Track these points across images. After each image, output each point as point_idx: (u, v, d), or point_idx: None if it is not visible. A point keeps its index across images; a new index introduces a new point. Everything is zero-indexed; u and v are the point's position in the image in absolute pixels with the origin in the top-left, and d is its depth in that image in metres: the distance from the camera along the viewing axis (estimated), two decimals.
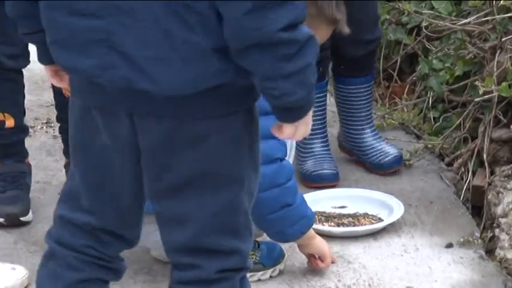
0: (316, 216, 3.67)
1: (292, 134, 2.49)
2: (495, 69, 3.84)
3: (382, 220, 3.73)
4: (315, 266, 3.63)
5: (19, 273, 3.48)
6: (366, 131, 4.08)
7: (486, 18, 4.04)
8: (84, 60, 2.43)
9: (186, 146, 2.48)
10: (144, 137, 2.48)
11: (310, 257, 3.63)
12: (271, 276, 3.44)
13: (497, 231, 3.61)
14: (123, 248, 2.73)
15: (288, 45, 2.30)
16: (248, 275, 3.03)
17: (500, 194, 3.68)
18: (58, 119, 3.97)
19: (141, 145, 2.50)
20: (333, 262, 3.64)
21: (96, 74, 2.41)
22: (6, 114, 3.82)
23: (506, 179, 3.73)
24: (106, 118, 2.51)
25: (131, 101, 2.44)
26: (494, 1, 4.04)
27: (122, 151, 2.54)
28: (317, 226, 3.61)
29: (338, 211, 3.78)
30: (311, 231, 3.55)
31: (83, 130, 2.59)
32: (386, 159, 4.05)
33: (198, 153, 2.48)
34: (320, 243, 3.62)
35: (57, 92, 3.94)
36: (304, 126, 2.50)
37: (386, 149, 4.08)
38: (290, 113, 2.46)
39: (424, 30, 4.38)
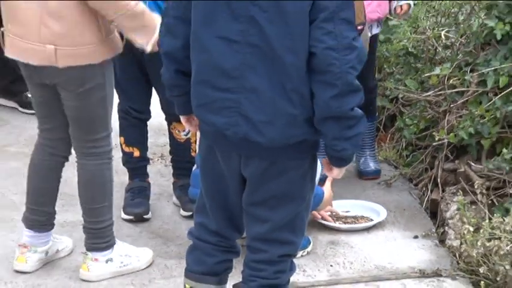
0: (330, 217, 3.70)
1: (337, 174, 2.62)
2: (445, 124, 3.94)
3: (373, 220, 3.76)
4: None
5: (149, 252, 3.40)
6: (366, 152, 4.11)
7: (440, 92, 4.08)
8: (220, 119, 2.50)
9: (273, 177, 2.56)
10: (247, 169, 2.57)
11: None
12: (301, 255, 3.40)
13: (446, 228, 3.66)
14: (237, 238, 2.80)
15: (352, 119, 2.40)
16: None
17: (448, 205, 3.76)
18: (170, 153, 3.90)
19: (244, 173, 2.58)
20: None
21: (225, 128, 2.49)
22: (134, 148, 3.76)
23: (452, 195, 3.80)
24: (224, 155, 2.60)
25: (244, 147, 2.52)
26: (445, 81, 4.02)
27: (231, 176, 2.63)
28: (331, 223, 3.67)
29: (344, 214, 3.77)
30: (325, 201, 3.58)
31: (208, 161, 2.68)
32: (369, 169, 4.12)
33: (281, 181, 2.57)
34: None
35: (171, 137, 3.83)
36: (343, 170, 2.62)
37: (373, 165, 4.13)
38: (341, 162, 2.56)
39: (400, 99, 4.42)
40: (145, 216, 3.75)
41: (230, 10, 2.44)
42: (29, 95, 4.57)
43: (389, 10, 3.97)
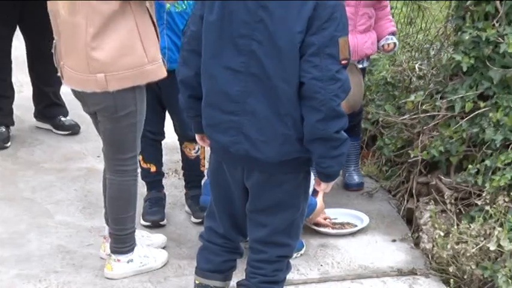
0: (325, 222, 3.68)
1: (325, 188, 2.63)
2: (419, 144, 3.92)
3: (357, 226, 3.74)
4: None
5: (164, 254, 3.39)
6: (351, 167, 4.09)
7: (414, 116, 4.06)
8: (225, 137, 2.53)
9: (272, 187, 2.58)
10: (249, 180, 2.59)
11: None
12: (296, 257, 3.33)
13: (420, 233, 3.64)
14: (241, 240, 2.81)
15: (336, 141, 2.41)
16: None
17: (422, 213, 3.74)
18: (182, 168, 3.88)
19: (247, 184, 2.60)
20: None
21: (229, 145, 2.52)
22: (151, 164, 3.73)
23: (425, 204, 3.77)
24: (229, 168, 2.62)
25: (246, 162, 2.54)
26: (419, 106, 3.99)
27: (236, 187, 2.65)
28: (321, 229, 3.66)
29: (333, 221, 3.74)
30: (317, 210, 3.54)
31: (216, 173, 2.70)
32: (354, 182, 4.11)
33: (278, 191, 2.58)
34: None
35: (183, 155, 3.79)
36: (331, 185, 2.63)
37: (357, 178, 4.12)
38: (327, 178, 2.57)
39: (380, 122, 4.41)
40: (161, 223, 3.73)
41: (234, 45, 2.47)
42: (62, 119, 4.64)
43: (377, 47, 3.97)
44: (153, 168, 3.81)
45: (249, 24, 2.44)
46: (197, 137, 2.81)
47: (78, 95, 3.17)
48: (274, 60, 2.43)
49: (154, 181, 3.85)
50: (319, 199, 3.59)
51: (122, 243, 3.26)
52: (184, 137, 3.68)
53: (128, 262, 3.28)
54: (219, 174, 2.70)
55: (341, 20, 2.42)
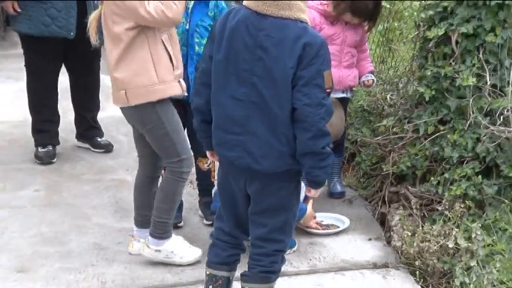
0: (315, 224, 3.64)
1: (314, 194, 2.62)
2: (390, 160, 3.91)
3: (339, 227, 3.69)
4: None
5: (196, 252, 3.33)
6: (335, 178, 4.05)
7: (386, 137, 4.04)
8: (231, 153, 2.53)
9: (269, 194, 2.57)
10: (250, 188, 2.57)
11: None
12: (289, 253, 3.32)
13: (392, 233, 3.62)
14: (244, 238, 2.78)
15: (323, 155, 2.41)
16: None
17: (393, 216, 3.72)
18: (196, 179, 3.83)
19: (248, 191, 2.59)
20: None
21: (235, 160, 2.52)
22: None
23: (395, 209, 3.75)
24: (234, 179, 2.61)
25: (248, 173, 2.54)
26: (390, 129, 3.99)
27: (240, 194, 2.64)
28: (313, 230, 3.63)
29: (320, 223, 3.68)
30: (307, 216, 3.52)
31: (224, 183, 2.68)
32: (337, 191, 4.06)
33: (275, 197, 2.57)
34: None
35: (196, 167, 3.71)
36: (319, 192, 2.61)
37: (339, 188, 4.07)
38: (316, 185, 2.56)
39: (358, 142, 4.39)
40: (179, 225, 3.69)
41: (238, 78, 2.47)
42: (99, 139, 4.66)
43: (359, 83, 3.96)
44: None
45: (250, 62, 2.44)
46: (208, 153, 2.78)
47: (123, 113, 3.20)
48: (271, 90, 2.43)
49: None
50: (309, 206, 3.56)
51: (157, 228, 3.24)
52: (198, 152, 3.64)
53: (155, 251, 3.27)
54: (226, 183, 2.69)
55: (325, 57, 2.43)
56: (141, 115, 3.08)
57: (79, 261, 3.35)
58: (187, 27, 3.39)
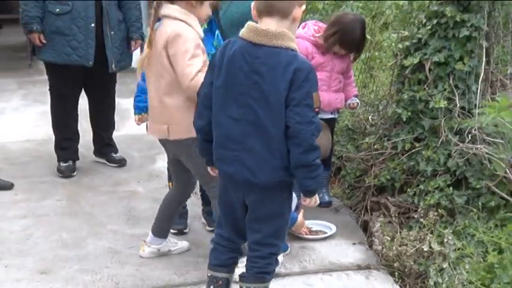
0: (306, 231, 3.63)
1: (309, 203, 2.60)
2: (372, 173, 3.90)
3: (327, 233, 3.67)
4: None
5: (186, 243, 3.44)
6: (323, 190, 3.99)
7: (368, 153, 4.06)
8: (230, 168, 2.52)
9: (265, 204, 2.56)
10: (248, 198, 2.57)
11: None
12: (283, 256, 3.30)
13: (373, 238, 3.59)
14: (242, 243, 2.76)
15: (314, 166, 2.40)
16: None
17: (374, 223, 3.69)
18: (200, 190, 3.77)
19: (246, 201, 2.58)
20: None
21: (233, 174, 2.51)
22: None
23: (377, 217, 3.73)
24: (233, 190, 2.60)
25: (246, 185, 2.53)
26: (372, 146, 4.02)
27: (238, 203, 2.63)
28: (304, 236, 3.61)
29: (310, 229, 3.66)
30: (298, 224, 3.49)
31: (224, 194, 2.67)
32: (325, 201, 3.99)
33: (269, 206, 2.57)
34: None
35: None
36: (314, 200, 2.60)
37: (327, 198, 4.02)
38: (310, 193, 2.55)
39: (344, 157, 4.37)
40: (184, 231, 3.67)
41: (235, 101, 2.47)
42: (113, 155, 4.66)
43: (345, 105, 3.98)
44: None
45: (247, 86, 2.44)
46: (209, 168, 2.77)
47: (161, 142, 3.15)
48: (266, 110, 2.43)
49: None
50: (300, 215, 3.54)
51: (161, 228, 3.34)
52: None
53: (158, 250, 3.35)
54: (226, 195, 2.67)
55: (313, 80, 2.44)
56: (184, 147, 3.00)
57: (95, 263, 3.33)
58: None
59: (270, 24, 2.39)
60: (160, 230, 3.34)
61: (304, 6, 2.47)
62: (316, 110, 2.46)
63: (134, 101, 3.50)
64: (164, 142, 3.11)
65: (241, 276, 2.73)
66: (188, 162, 3.07)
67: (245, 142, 2.48)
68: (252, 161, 2.48)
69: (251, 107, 2.45)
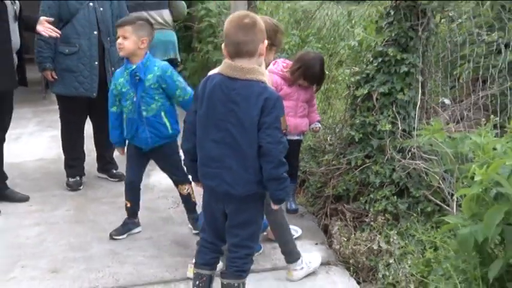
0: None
1: (277, 208, 2.63)
2: (331, 185, 3.90)
3: (294, 235, 3.47)
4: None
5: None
6: (290, 199, 3.97)
7: (328, 168, 4.05)
8: (212, 182, 2.52)
9: (241, 212, 2.56)
10: (227, 208, 2.55)
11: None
12: (256, 255, 3.20)
13: (332, 239, 3.55)
14: (222, 245, 2.73)
15: (282, 179, 2.41)
16: None
17: (333, 227, 3.66)
18: (183, 201, 3.65)
19: (226, 210, 2.57)
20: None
21: (215, 187, 2.50)
22: (128, 201, 3.54)
23: (335, 221, 3.71)
24: (215, 201, 2.59)
25: (226, 197, 2.52)
26: (331, 162, 4.00)
27: (219, 212, 2.61)
28: (272, 238, 3.43)
29: None
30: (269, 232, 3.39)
31: (207, 205, 2.65)
32: (292, 208, 3.98)
33: (245, 214, 2.56)
34: None
35: (179, 192, 3.57)
36: (280, 206, 2.61)
37: (294, 206, 4.00)
38: (279, 201, 2.54)
39: (307, 171, 4.34)
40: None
41: (216, 126, 2.48)
42: (114, 171, 4.61)
43: (309, 129, 3.98)
44: (128, 204, 3.62)
45: (225, 113, 2.45)
46: (194, 182, 2.75)
47: None
48: (242, 134, 2.43)
49: (134, 212, 3.65)
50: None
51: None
52: (178, 182, 3.57)
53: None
54: (208, 205, 2.66)
55: (280, 107, 2.45)
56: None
57: (98, 263, 3.30)
58: (134, 99, 3.30)
59: (242, 62, 2.40)
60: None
61: (266, 42, 2.45)
62: (284, 131, 2.47)
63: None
64: None
65: (222, 273, 2.72)
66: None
67: (224, 161, 2.48)
68: (231, 177, 2.48)
69: (229, 131, 2.45)
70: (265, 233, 3.52)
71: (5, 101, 3.91)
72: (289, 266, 3.15)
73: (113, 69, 4.21)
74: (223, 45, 2.43)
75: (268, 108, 2.37)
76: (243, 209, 2.57)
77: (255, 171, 2.48)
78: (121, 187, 4.45)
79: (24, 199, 4.13)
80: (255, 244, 2.74)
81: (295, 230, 3.74)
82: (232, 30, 2.35)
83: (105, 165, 4.69)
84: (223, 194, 2.53)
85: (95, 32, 4.03)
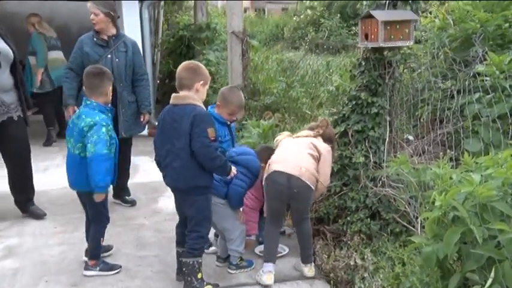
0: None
1: (232, 176, 3.01)
2: (313, 209, 3.78)
3: (282, 253, 3.56)
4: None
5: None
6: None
7: None
8: (166, 180, 2.90)
9: (187, 202, 2.86)
10: (178, 199, 2.92)
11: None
12: (247, 271, 3.26)
13: (315, 256, 3.44)
14: (186, 229, 2.92)
15: (220, 165, 2.78)
16: (243, 270, 3.24)
17: (315, 245, 3.55)
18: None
19: (178, 201, 2.92)
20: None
21: (168, 182, 2.88)
22: None
23: (317, 240, 3.60)
24: (174, 195, 2.92)
25: (176, 190, 2.90)
26: None
27: (178, 203, 2.95)
28: (262, 254, 3.39)
29: None
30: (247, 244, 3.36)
31: (175, 198, 2.97)
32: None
33: (191, 204, 2.85)
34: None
35: None
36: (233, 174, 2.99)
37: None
38: (227, 174, 2.89)
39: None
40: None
41: (166, 140, 2.79)
42: (127, 197, 4.56)
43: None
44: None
45: (170, 129, 2.76)
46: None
47: None
48: (181, 142, 2.71)
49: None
50: (252, 238, 3.54)
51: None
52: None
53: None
54: (175, 198, 2.94)
55: (208, 120, 2.72)
56: None
57: (112, 278, 3.24)
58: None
59: (182, 92, 2.77)
60: None
61: (207, 86, 2.77)
62: (213, 139, 2.67)
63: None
64: None
65: (180, 253, 2.94)
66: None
67: (171, 164, 2.77)
68: (175, 174, 2.76)
69: (173, 142, 2.74)
70: (245, 247, 3.37)
71: None
72: (302, 265, 3.27)
73: (123, 110, 4.27)
74: (176, 76, 2.79)
75: (197, 122, 2.66)
76: (188, 200, 2.80)
77: (190, 170, 2.72)
78: (132, 211, 4.50)
79: (43, 214, 4.17)
80: (204, 229, 2.87)
81: (283, 248, 3.69)
82: (180, 69, 2.75)
83: (120, 191, 4.65)
84: (173, 188, 2.83)
85: None
